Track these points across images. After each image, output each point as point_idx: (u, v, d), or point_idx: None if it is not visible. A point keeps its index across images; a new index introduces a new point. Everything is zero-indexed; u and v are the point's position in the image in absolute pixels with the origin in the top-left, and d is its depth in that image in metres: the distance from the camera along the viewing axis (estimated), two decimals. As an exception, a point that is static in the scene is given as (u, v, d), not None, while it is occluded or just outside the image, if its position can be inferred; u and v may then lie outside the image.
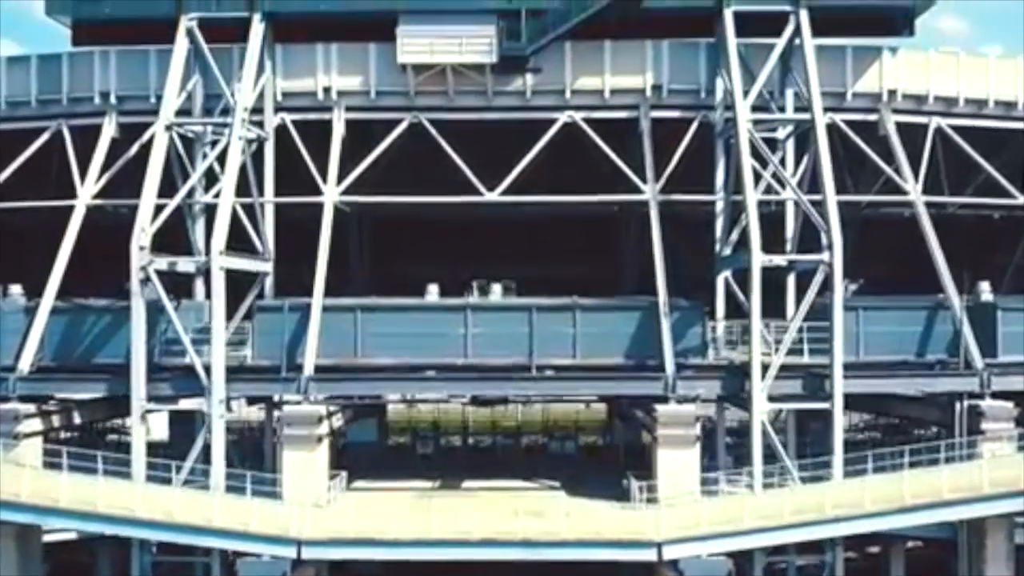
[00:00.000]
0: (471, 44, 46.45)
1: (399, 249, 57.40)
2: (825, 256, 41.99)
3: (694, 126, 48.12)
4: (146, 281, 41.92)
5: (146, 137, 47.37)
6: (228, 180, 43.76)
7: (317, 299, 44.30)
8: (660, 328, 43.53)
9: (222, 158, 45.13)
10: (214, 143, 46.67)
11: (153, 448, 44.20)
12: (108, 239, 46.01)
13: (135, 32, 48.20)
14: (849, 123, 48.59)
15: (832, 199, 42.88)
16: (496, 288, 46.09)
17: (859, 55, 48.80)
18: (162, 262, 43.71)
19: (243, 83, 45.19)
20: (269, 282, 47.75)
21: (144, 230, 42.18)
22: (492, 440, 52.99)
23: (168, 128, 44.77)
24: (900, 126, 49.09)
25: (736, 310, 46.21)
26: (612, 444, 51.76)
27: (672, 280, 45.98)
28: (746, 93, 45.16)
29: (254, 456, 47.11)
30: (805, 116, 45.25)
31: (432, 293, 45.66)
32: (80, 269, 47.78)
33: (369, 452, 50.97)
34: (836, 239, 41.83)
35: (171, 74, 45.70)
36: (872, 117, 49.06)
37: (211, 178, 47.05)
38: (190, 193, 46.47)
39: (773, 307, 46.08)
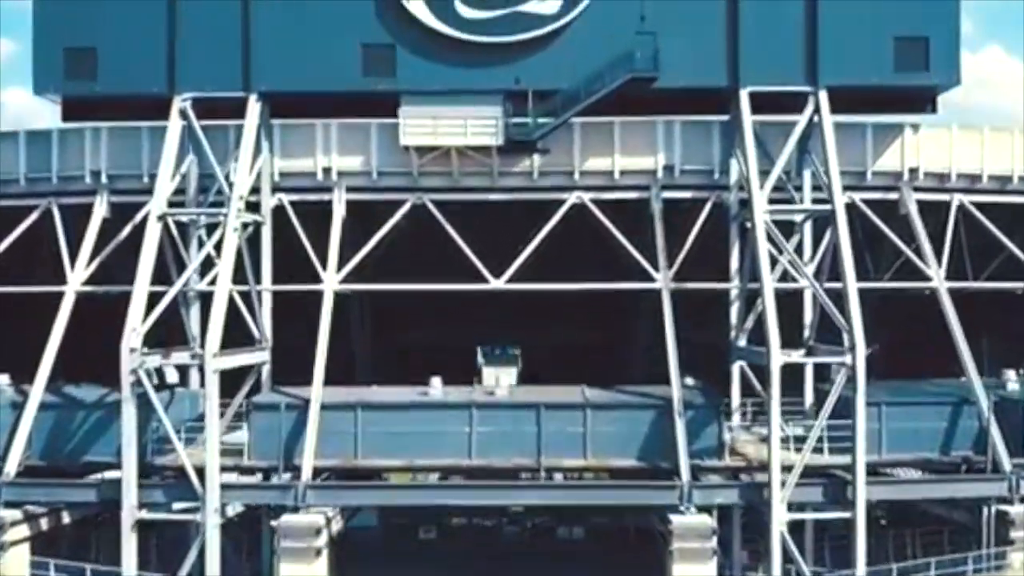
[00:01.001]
0: (476, 126, 44.74)
1: (401, 316, 55.45)
2: (847, 359, 40.08)
3: (707, 207, 46.28)
4: (137, 384, 39.97)
5: (139, 218, 45.69)
6: (223, 276, 41.95)
7: (316, 395, 42.47)
8: (675, 428, 41.65)
9: (218, 244, 43.25)
10: (209, 227, 44.78)
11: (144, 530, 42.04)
12: (102, 317, 44.29)
13: (127, 108, 46.38)
14: (868, 202, 46.82)
15: (854, 298, 41.00)
16: (503, 381, 44.20)
17: (879, 132, 47.06)
18: (154, 359, 41.89)
19: (239, 170, 43.45)
20: (267, 370, 45.94)
21: (135, 330, 40.26)
22: (498, 522, 51.09)
23: (160, 219, 42.83)
24: (921, 203, 47.24)
25: (750, 386, 45.13)
26: (623, 528, 49.80)
27: (684, 349, 44.32)
28: (763, 177, 43.26)
29: (252, 546, 45.08)
30: (824, 207, 43.34)
31: (435, 387, 43.81)
32: (72, 349, 46.07)
33: (368, 538, 49.06)
34: (859, 341, 39.93)
35: (164, 160, 43.93)
36: (892, 196, 47.26)
37: (206, 261, 45.17)
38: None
39: (788, 387, 44.12)
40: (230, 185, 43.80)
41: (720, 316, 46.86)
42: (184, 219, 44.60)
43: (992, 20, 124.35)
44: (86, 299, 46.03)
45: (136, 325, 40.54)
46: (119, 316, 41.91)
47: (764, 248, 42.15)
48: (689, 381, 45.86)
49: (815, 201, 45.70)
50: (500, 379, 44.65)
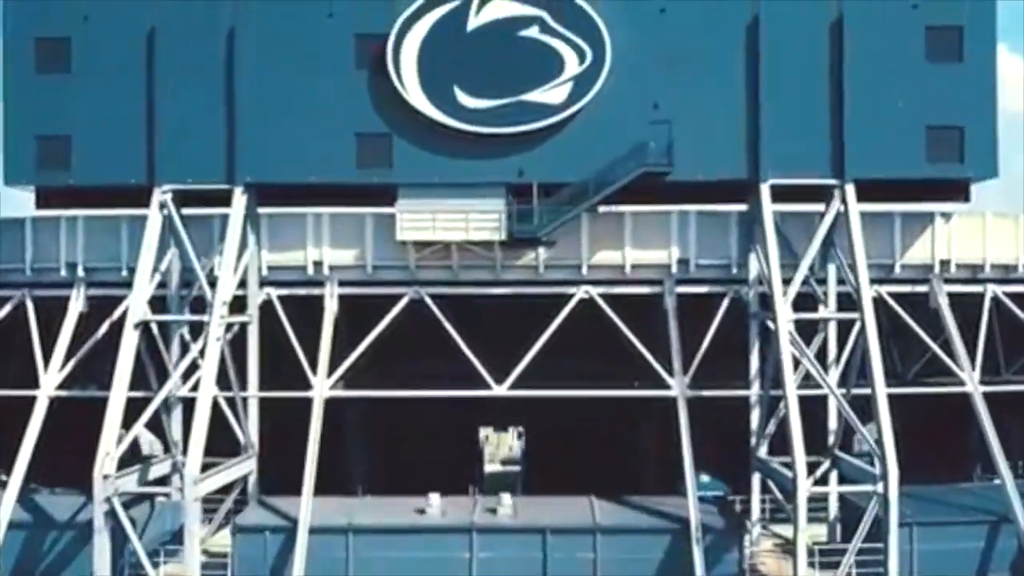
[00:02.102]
0: (478, 221, 41.78)
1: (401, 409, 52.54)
2: (879, 487, 37.07)
3: (725, 303, 43.23)
4: (111, 513, 37.01)
5: (118, 314, 42.76)
6: (206, 385, 38.88)
7: (304, 517, 39.41)
8: (692, 555, 38.63)
9: (202, 347, 40.32)
10: (193, 326, 41.82)
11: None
12: (78, 416, 41.53)
13: (104, 197, 43.31)
14: (896, 295, 43.79)
15: (886, 421, 37.98)
16: (506, 501, 41.13)
17: (909, 222, 44.03)
18: (130, 481, 38.94)
19: (223, 273, 40.40)
20: (253, 479, 42.99)
21: (108, 454, 37.29)
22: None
23: (137, 326, 39.82)
24: (952, 295, 44.20)
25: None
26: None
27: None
28: (785, 271, 40.17)
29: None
30: (852, 315, 40.30)
31: (434, 504, 40.75)
32: (48, 449, 43.19)
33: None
34: (892, 468, 36.90)
35: (142, 259, 40.98)
36: (922, 288, 44.17)
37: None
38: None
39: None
40: (213, 286, 40.65)
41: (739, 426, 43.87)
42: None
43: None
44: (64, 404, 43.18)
45: (110, 448, 37.52)
46: (97, 414, 39.05)
47: (788, 359, 39.19)
48: (704, 478, 43.11)
49: (840, 296, 42.78)
50: (503, 501, 41.31)
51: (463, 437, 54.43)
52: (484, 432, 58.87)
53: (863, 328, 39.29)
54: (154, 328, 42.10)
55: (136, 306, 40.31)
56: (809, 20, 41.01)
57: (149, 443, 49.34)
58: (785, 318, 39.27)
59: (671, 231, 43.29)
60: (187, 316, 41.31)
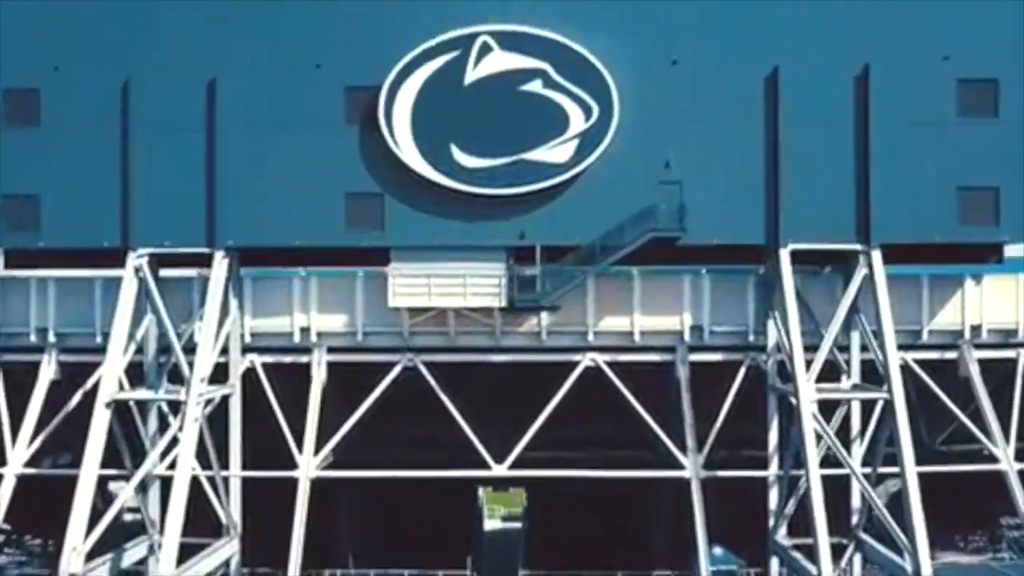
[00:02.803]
0: (476, 286, 38.96)
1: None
2: (909, 579, 34.32)
3: (741, 372, 40.39)
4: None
5: (91, 383, 39.93)
6: (182, 468, 36.05)
7: (290, 608, 36.64)
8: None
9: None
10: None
11: None
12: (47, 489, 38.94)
13: (77, 256, 40.48)
14: (923, 362, 40.94)
15: (918, 512, 35.18)
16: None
17: (937, 285, 41.28)
18: (101, 573, 36.12)
19: (202, 347, 37.59)
20: (236, 561, 40.19)
21: (75, 549, 34.50)
22: None
23: (108, 405, 37.00)
24: (983, 362, 41.35)
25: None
26: None
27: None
28: (808, 353, 37.39)
29: None
30: (881, 394, 37.52)
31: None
32: (16, 523, 40.56)
33: None
34: (925, 568, 34.05)
35: (115, 331, 38.21)
36: (951, 355, 41.30)
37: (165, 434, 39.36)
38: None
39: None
40: (193, 351, 37.82)
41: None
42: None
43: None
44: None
45: (77, 542, 34.74)
46: (70, 488, 36.36)
47: (812, 443, 36.39)
48: (717, 551, 40.42)
49: (863, 363, 39.90)
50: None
51: (462, 496, 51.65)
52: (483, 492, 56.03)
53: (892, 412, 36.40)
54: (131, 403, 39.33)
55: (108, 382, 37.47)
56: (832, 73, 38.17)
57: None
58: (808, 399, 36.44)
59: (683, 295, 40.59)
60: (162, 395, 38.43)
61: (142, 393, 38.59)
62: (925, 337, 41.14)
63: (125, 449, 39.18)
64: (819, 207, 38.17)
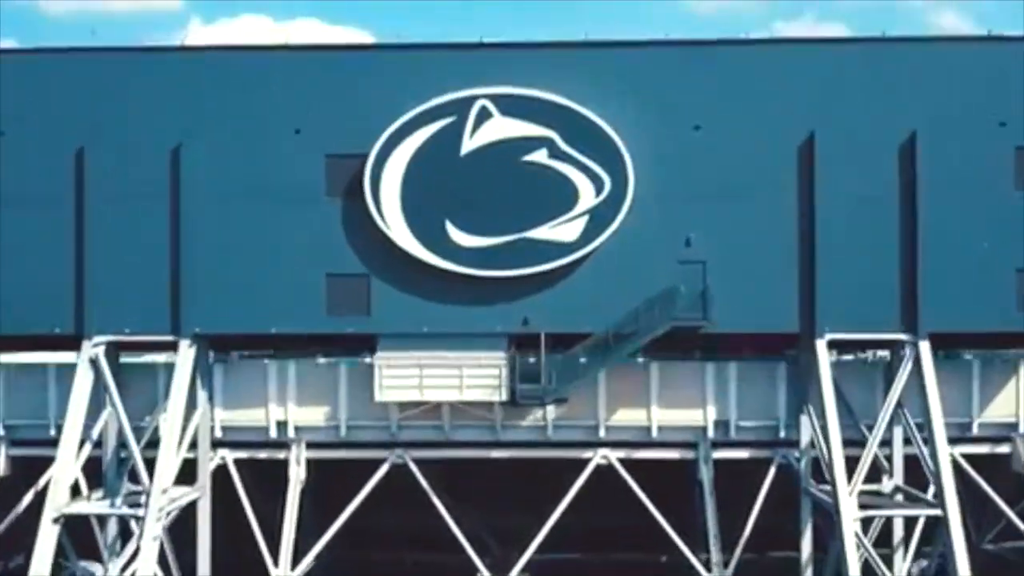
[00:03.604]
0: (474, 378, 34.67)
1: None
2: None
3: (771, 472, 36.09)
4: None
5: (43, 481, 35.65)
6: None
7: None
8: None
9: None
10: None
11: None
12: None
13: (29, 343, 36.27)
14: (972, 457, 36.63)
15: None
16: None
17: (988, 372, 36.92)
18: None
19: (162, 457, 33.27)
20: None
21: None
22: None
23: (56, 521, 32.68)
24: (1038, 456, 37.00)
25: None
26: None
27: None
28: (849, 448, 33.15)
29: None
30: (933, 511, 33.16)
31: None
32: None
33: None
34: None
35: (67, 431, 33.92)
36: (1003, 449, 36.97)
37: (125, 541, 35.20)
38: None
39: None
40: (156, 444, 33.67)
41: None
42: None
43: (995, 19, 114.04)
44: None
45: None
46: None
47: (854, 564, 31.91)
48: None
49: (907, 459, 35.64)
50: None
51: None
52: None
53: (946, 528, 32.07)
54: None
55: (57, 492, 33.21)
56: (874, 140, 33.95)
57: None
58: (851, 517, 32.05)
59: (706, 386, 36.22)
60: (119, 508, 34.08)
61: (96, 506, 34.23)
62: (975, 430, 36.76)
63: (75, 561, 34.78)
64: (859, 291, 33.97)
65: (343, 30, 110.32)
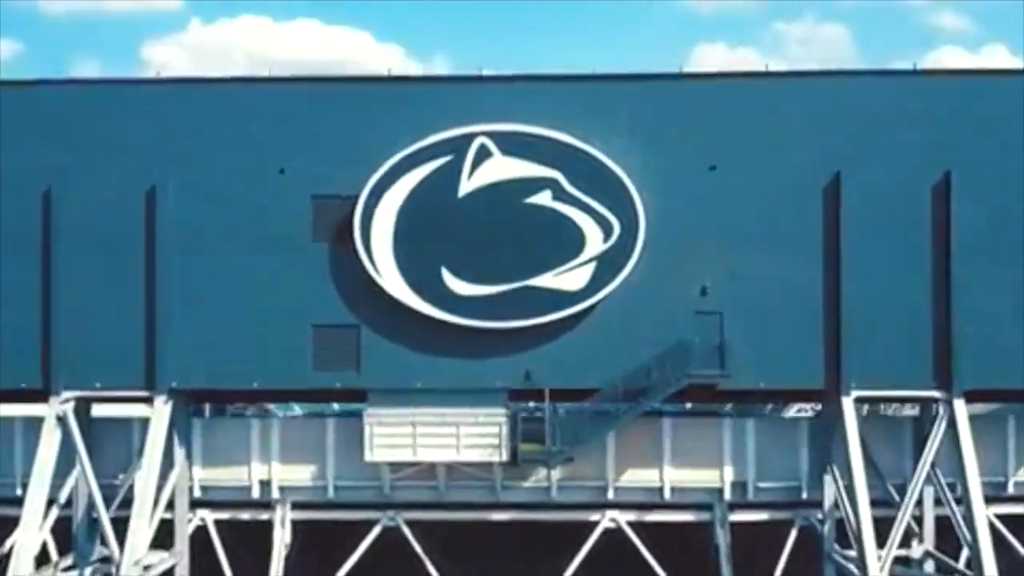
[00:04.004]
0: (472, 437, 32.22)
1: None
2: None
3: (792, 535, 33.52)
4: None
5: (8, 545, 33.11)
6: None
7: None
8: None
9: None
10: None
11: None
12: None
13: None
14: (1007, 518, 34.09)
15: None
16: None
17: (1024, 427, 34.26)
18: None
19: (134, 524, 30.68)
20: None
21: None
22: None
23: (18, 592, 30.16)
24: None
25: None
26: None
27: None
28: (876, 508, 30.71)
29: None
30: (970, 583, 30.63)
31: None
32: None
33: None
34: None
35: (30, 495, 31.43)
36: (1042, 509, 34.42)
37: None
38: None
39: None
40: (129, 504, 31.30)
41: None
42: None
43: (994, 19, 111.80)
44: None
45: None
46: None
47: (884, 645, 29.35)
48: None
49: (938, 520, 33.07)
50: None
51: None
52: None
53: None
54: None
55: (20, 560, 30.57)
56: (905, 181, 31.39)
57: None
58: (880, 587, 29.50)
59: (723, 444, 33.62)
60: (86, 581, 31.50)
61: (61, 580, 31.61)
62: (1011, 489, 34.20)
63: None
64: (889, 344, 31.38)
65: (343, 30, 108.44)
